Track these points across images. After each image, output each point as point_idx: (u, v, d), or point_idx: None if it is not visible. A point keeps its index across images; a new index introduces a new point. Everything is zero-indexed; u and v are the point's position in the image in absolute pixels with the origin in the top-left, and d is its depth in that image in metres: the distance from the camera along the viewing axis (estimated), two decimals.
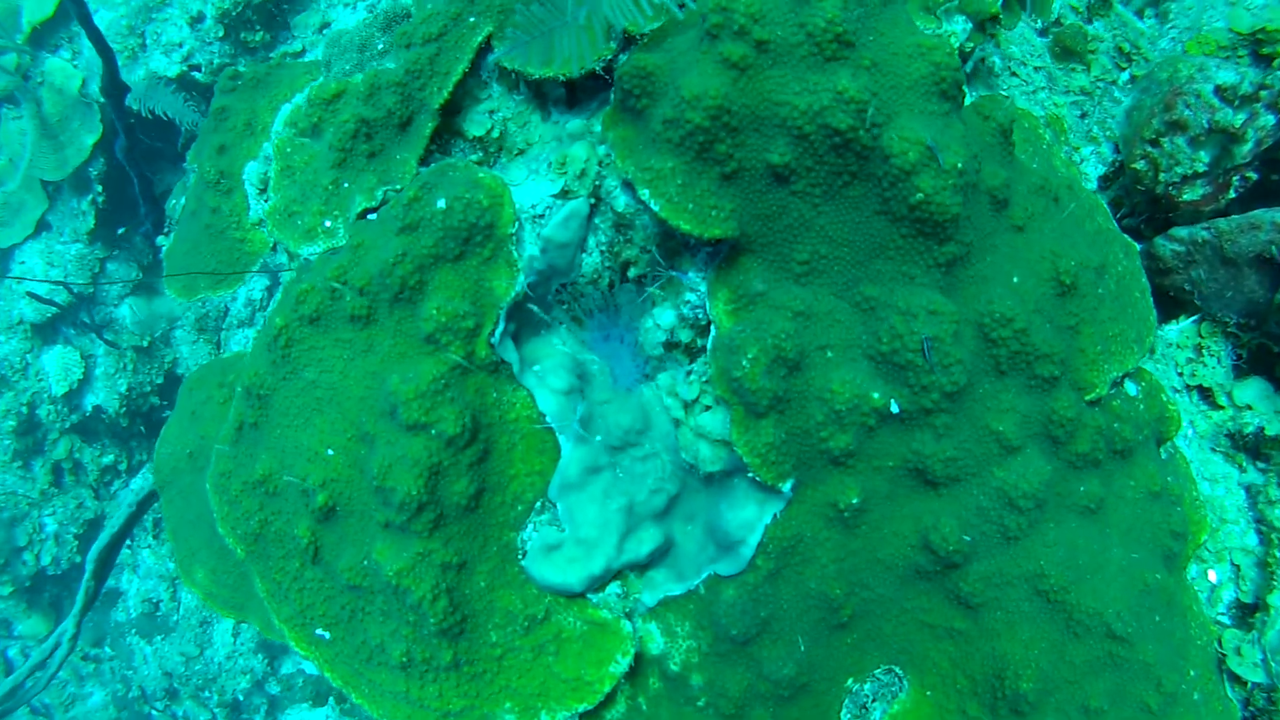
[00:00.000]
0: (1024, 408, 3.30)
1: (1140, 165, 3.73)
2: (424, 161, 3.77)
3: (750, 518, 3.22)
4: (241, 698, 6.09)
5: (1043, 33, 4.05)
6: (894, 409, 3.18)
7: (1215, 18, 4.25)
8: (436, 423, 3.23)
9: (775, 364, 3.12)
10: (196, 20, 5.51)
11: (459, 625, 3.31)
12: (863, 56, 3.13)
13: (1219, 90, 3.69)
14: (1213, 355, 3.74)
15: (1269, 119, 3.64)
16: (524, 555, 3.36)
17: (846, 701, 3.44)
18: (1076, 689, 3.27)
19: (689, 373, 3.33)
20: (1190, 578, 3.58)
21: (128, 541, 5.84)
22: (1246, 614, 3.57)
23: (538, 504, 3.39)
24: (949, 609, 3.34)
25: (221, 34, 5.48)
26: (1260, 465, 3.67)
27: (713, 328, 3.23)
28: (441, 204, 3.30)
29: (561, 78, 3.59)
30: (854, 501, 3.22)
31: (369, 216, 3.63)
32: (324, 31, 5.61)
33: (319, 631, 3.52)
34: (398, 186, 3.69)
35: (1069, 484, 3.35)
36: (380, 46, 4.63)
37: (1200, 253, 3.69)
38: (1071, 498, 3.35)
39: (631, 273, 3.46)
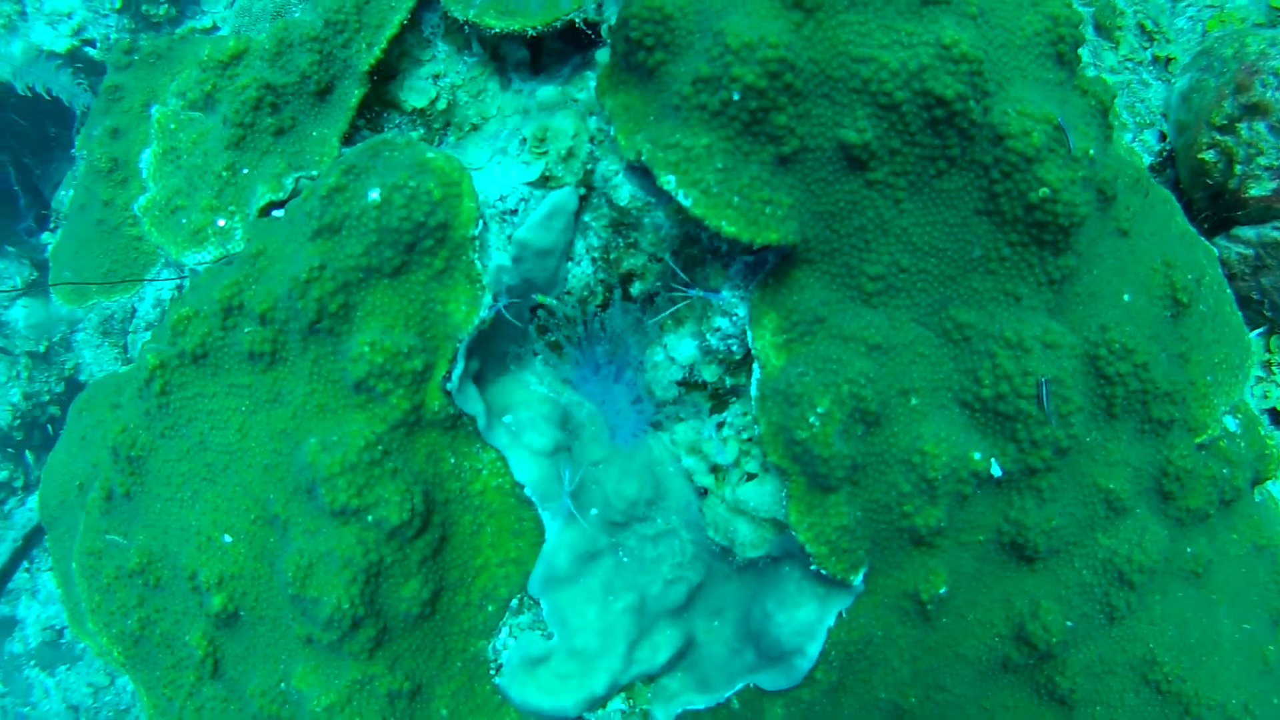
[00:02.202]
0: (1135, 459, 2.01)
1: (1209, 156, 2.48)
2: (348, 140, 2.25)
3: (809, 620, 1.84)
4: None
5: (1087, 2, 2.76)
6: (996, 471, 1.85)
7: None
8: (374, 506, 1.76)
9: (853, 420, 1.74)
10: None
11: None
12: (968, 1, 1.75)
13: None
14: None
15: None
16: (498, 671, 1.93)
17: None
18: None
19: (720, 424, 1.91)
20: None
21: (25, 564, 4.16)
22: None
23: (514, 601, 1.96)
24: (1038, 707, 2.05)
25: (119, 4, 3.78)
26: None
27: (756, 366, 1.82)
28: (375, 195, 1.79)
29: (531, 31, 2.12)
30: (940, 592, 1.89)
31: (275, 213, 2.10)
32: (235, 4, 3.96)
33: None
34: (313, 172, 2.16)
35: (1177, 545, 2.09)
36: (297, 14, 3.04)
37: (1273, 256, 2.46)
38: (1178, 561, 2.09)
39: (636, 288, 2.02)
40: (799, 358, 1.81)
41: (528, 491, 1.90)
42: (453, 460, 1.88)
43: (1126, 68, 2.76)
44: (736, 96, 1.67)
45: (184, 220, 2.18)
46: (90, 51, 3.79)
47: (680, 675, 2.00)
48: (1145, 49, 2.83)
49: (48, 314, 4.23)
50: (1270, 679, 2.15)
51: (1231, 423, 2.22)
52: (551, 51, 2.40)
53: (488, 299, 1.84)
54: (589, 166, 1.97)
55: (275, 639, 1.91)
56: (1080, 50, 1.90)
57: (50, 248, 3.64)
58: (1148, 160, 2.67)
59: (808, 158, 1.75)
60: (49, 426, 4.28)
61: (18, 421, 4.16)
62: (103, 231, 3.38)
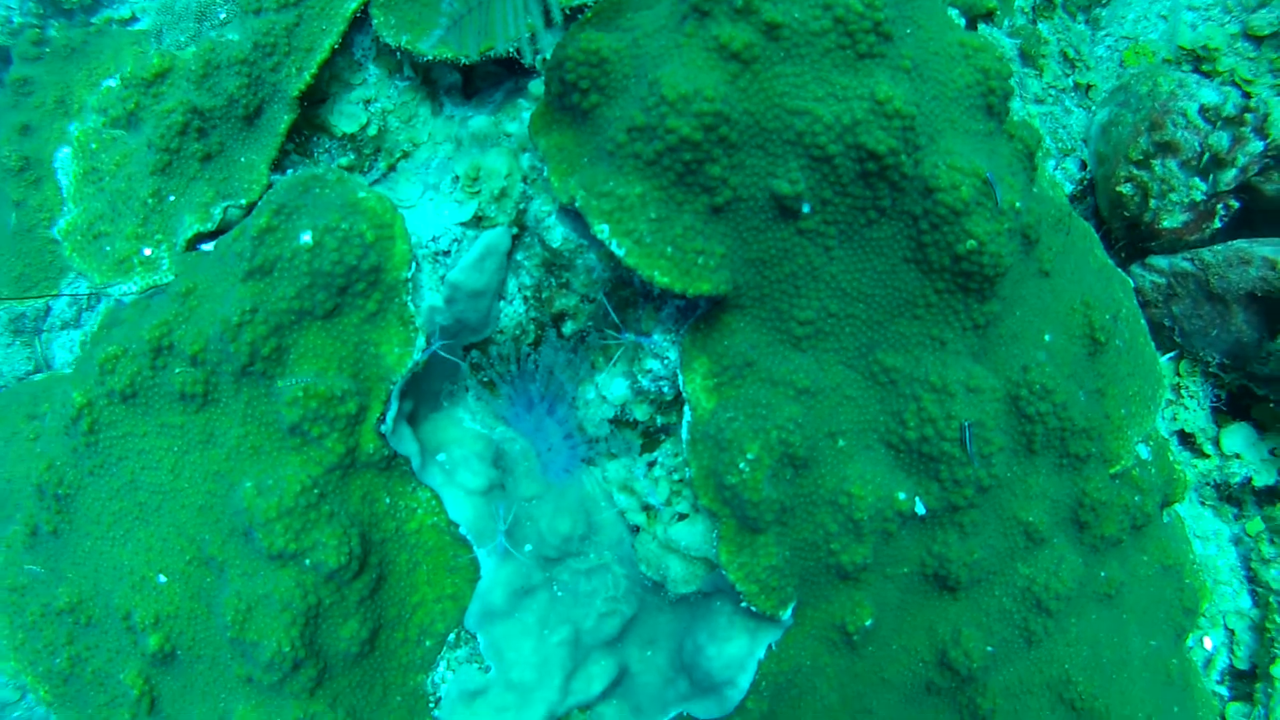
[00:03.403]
0: (1054, 492, 2.11)
1: (1126, 189, 2.58)
2: (278, 167, 2.22)
3: (739, 653, 1.91)
4: None
5: (1013, 33, 2.82)
6: (920, 510, 1.94)
7: (1149, 29, 3.11)
8: (311, 550, 1.77)
9: (781, 465, 1.81)
10: None
11: None
12: (903, 55, 1.79)
13: (1203, 111, 2.55)
14: (1191, 396, 2.67)
15: (1257, 144, 2.53)
16: (437, 704, 1.96)
17: None
18: None
19: (652, 463, 1.97)
20: (1188, 646, 2.54)
21: None
22: (1242, 682, 2.56)
23: (451, 636, 1.99)
24: None
25: None
26: (1250, 519, 2.65)
27: (687, 409, 1.87)
28: (307, 238, 1.79)
29: (464, 60, 2.11)
30: (866, 624, 1.97)
31: (203, 246, 2.07)
32: None
33: None
34: (242, 201, 2.13)
35: (1091, 570, 2.21)
36: (223, 15, 2.95)
37: (1183, 285, 2.58)
38: (1092, 585, 2.20)
39: (568, 327, 2.04)
40: (729, 402, 1.86)
41: (463, 530, 1.92)
42: (388, 500, 1.90)
43: (1050, 94, 2.84)
44: (672, 145, 1.70)
45: (108, 248, 2.14)
46: None
47: (615, 704, 2.07)
48: (1067, 75, 2.92)
49: None
50: (1172, 690, 2.29)
51: (1144, 450, 2.34)
52: (485, 75, 2.39)
53: (421, 341, 1.85)
54: (522, 206, 1.98)
55: (214, 678, 1.92)
56: (1009, 101, 1.96)
57: None
58: (1069, 188, 2.77)
59: (740, 206, 1.79)
60: None
61: None
62: (14, 234, 3.28)
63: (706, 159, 1.71)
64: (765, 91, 1.74)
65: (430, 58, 2.13)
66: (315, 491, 1.78)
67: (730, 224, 1.79)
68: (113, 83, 2.87)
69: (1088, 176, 2.76)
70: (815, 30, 1.73)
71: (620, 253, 1.70)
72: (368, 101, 2.28)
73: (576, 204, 1.75)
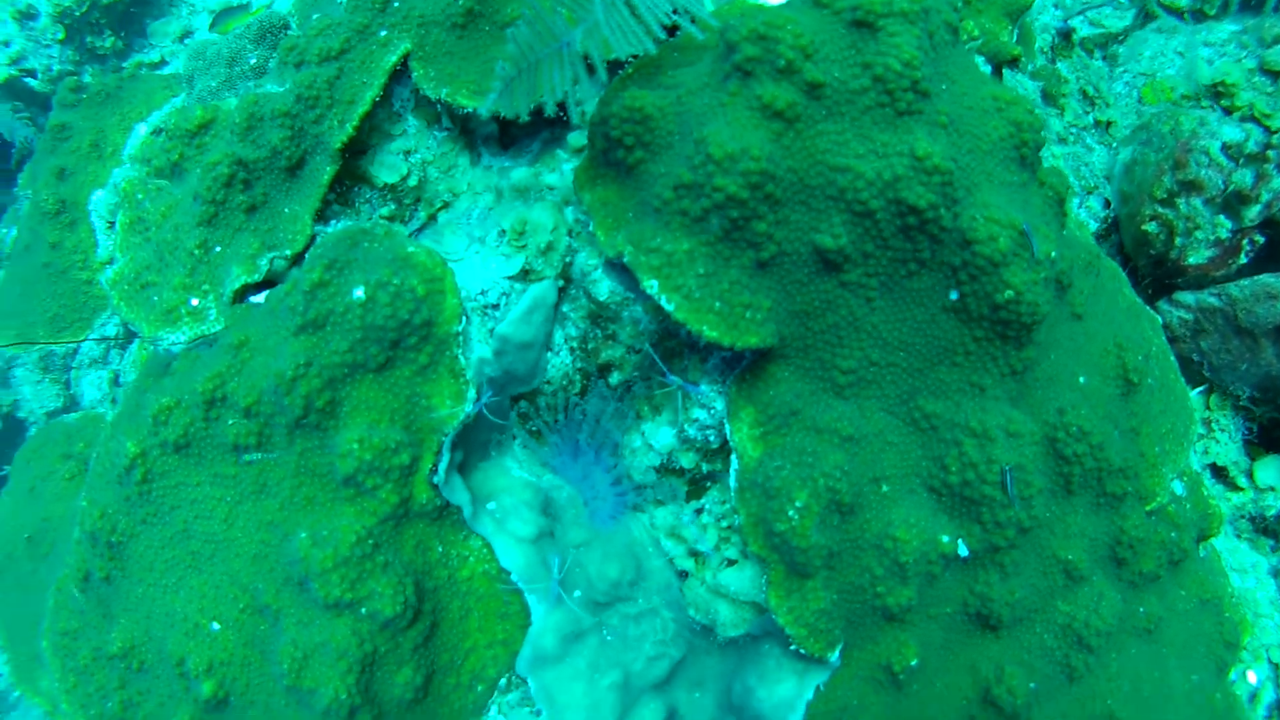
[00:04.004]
0: (1092, 530, 2.15)
1: (1151, 228, 2.63)
2: (320, 217, 2.28)
3: (789, 695, 1.95)
4: None
5: (1034, 75, 2.88)
6: (963, 552, 1.98)
7: (1166, 65, 3.17)
8: (367, 599, 1.82)
9: (829, 511, 1.85)
10: (26, 16, 3.65)
11: None
12: (939, 111, 1.85)
13: (1225, 148, 2.61)
14: (1223, 430, 2.71)
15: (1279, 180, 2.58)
16: None
17: None
18: None
19: (699, 510, 2.01)
20: (1231, 680, 2.58)
21: None
22: None
23: (502, 681, 2.03)
24: None
25: (62, 36, 3.65)
26: None
27: (734, 457, 1.92)
28: (359, 293, 1.84)
29: (528, 117, 2.16)
30: (912, 664, 2.01)
31: (252, 298, 2.12)
32: (186, 41, 3.87)
33: None
34: (287, 252, 2.18)
35: (1130, 606, 2.24)
36: (253, 61, 3.03)
37: (1210, 321, 2.63)
38: (1132, 620, 2.24)
39: (614, 377, 2.09)
40: (776, 450, 1.91)
41: (514, 577, 1.97)
42: (440, 549, 1.94)
43: (1071, 133, 2.89)
44: (719, 203, 1.75)
45: (155, 298, 2.19)
46: (30, 83, 3.70)
47: None
48: (1087, 113, 2.98)
49: None
50: None
51: (1178, 486, 2.38)
52: (521, 124, 2.45)
53: (472, 394, 1.90)
54: (567, 259, 2.04)
55: None
56: (1041, 151, 2.01)
57: None
58: (1094, 226, 2.82)
59: (785, 260, 1.84)
60: None
61: None
62: (50, 275, 3.34)
63: (753, 216, 1.76)
64: (808, 149, 1.79)
65: (470, 109, 2.19)
66: (370, 542, 1.83)
67: (775, 278, 1.84)
68: (155, 123, 2.94)
69: (1112, 214, 2.82)
70: (855, 89, 1.79)
71: (670, 307, 1.76)
72: (408, 152, 2.33)
73: (625, 259, 1.80)
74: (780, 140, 1.77)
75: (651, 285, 1.78)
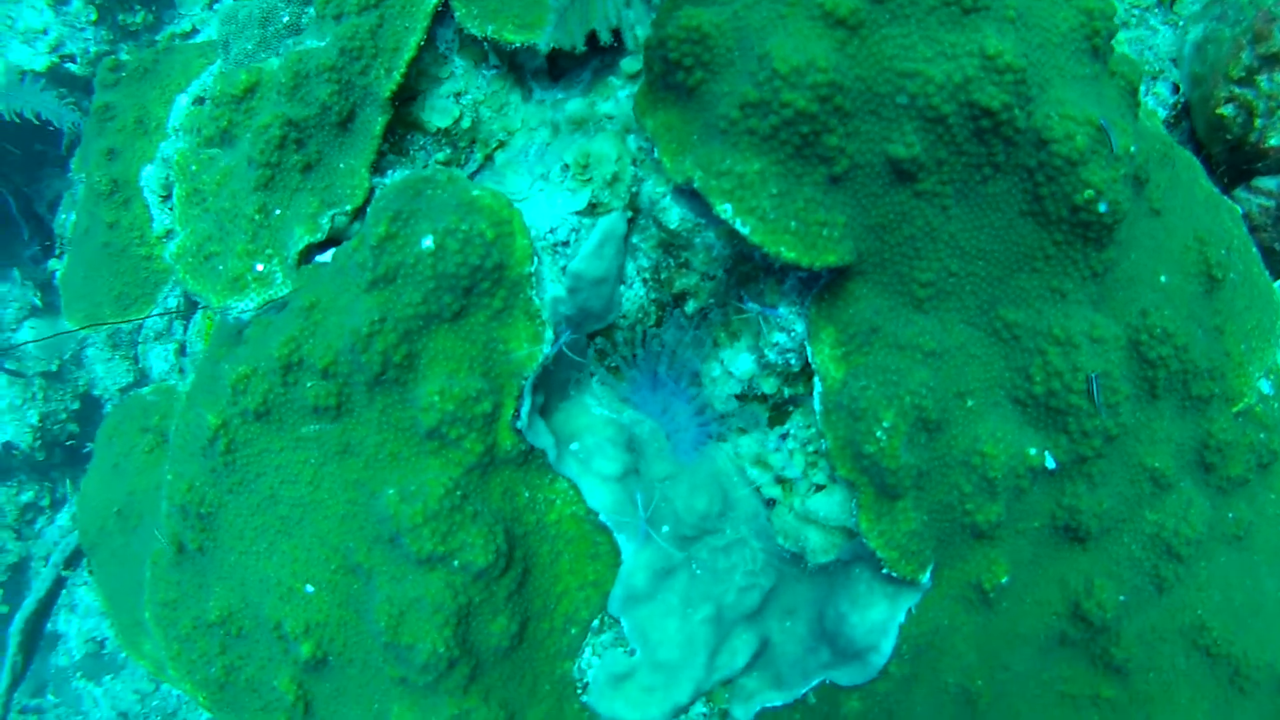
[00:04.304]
0: (1178, 435, 2.11)
1: (1227, 110, 2.54)
2: (376, 168, 2.26)
3: (881, 618, 1.95)
4: None
5: None
6: (1050, 464, 1.95)
7: None
8: (459, 551, 1.83)
9: (916, 430, 1.83)
10: (59, 1, 3.65)
11: None
12: (1006, 4, 1.78)
13: None
14: None
15: None
16: (585, 690, 2.03)
17: None
18: None
19: (784, 435, 2.00)
20: None
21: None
22: None
23: (595, 622, 2.05)
24: (1094, 676, 2.18)
25: (95, 17, 3.64)
26: None
27: (817, 380, 1.90)
28: (428, 242, 1.83)
29: (584, 46, 2.12)
30: (1003, 581, 2.00)
31: (317, 258, 2.12)
32: (215, 7, 3.84)
33: None
34: (347, 208, 2.17)
35: (1219, 513, 2.21)
36: (286, 19, 2.98)
37: None
38: (1221, 527, 2.21)
39: (690, 306, 2.06)
40: (859, 370, 1.88)
41: (602, 517, 1.97)
42: (527, 494, 1.95)
43: (1133, 15, 2.78)
44: (788, 119, 1.71)
45: (220, 267, 2.19)
46: (71, 67, 3.70)
47: (757, 674, 2.12)
48: None
49: (56, 332, 4.20)
50: None
51: (1265, 385, 2.33)
52: (570, 55, 2.40)
53: (549, 334, 1.89)
54: (634, 189, 2.00)
55: (366, 680, 1.99)
56: (1113, 40, 1.94)
57: (58, 274, 3.62)
58: (1162, 114, 2.72)
59: (858, 174, 1.79)
60: (69, 444, 4.29)
61: (38, 442, 4.17)
62: (110, 254, 3.38)
63: (823, 130, 1.72)
64: (875, 56, 1.74)
65: (517, 44, 2.15)
66: (458, 493, 1.84)
67: (849, 192, 1.80)
68: (197, 91, 2.93)
69: (1181, 100, 2.71)
70: None
71: (745, 231, 1.72)
72: (458, 94, 2.30)
73: (695, 184, 1.77)
74: (845, 49, 1.72)
75: (725, 209, 1.74)
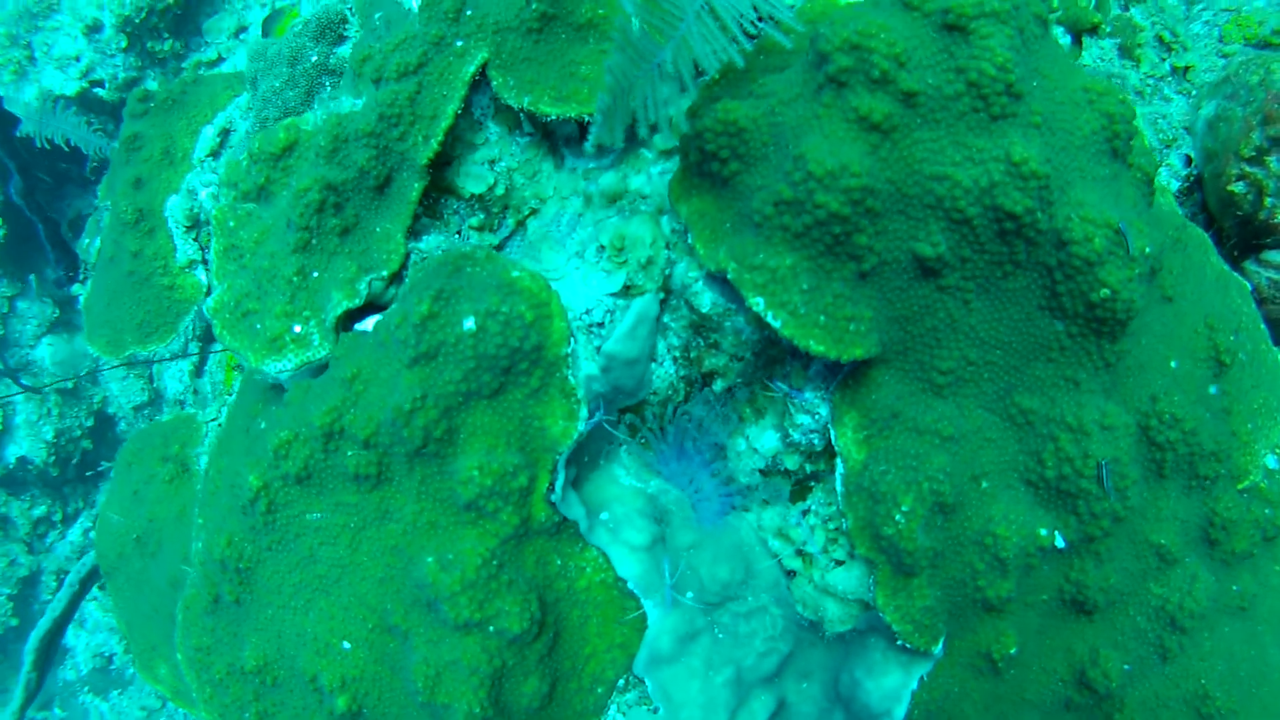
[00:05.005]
0: (1183, 513, 2.22)
1: (1238, 188, 2.63)
2: (411, 233, 2.34)
3: (895, 685, 2.06)
4: None
5: (1112, 33, 2.85)
6: (1060, 544, 2.05)
7: None
8: (495, 618, 1.93)
9: (933, 513, 1.93)
10: (93, 29, 3.70)
11: None
12: (1033, 110, 1.87)
13: None
14: None
15: None
16: None
17: None
18: None
19: (805, 511, 2.09)
20: None
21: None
22: None
23: (620, 681, 2.15)
24: None
25: (125, 44, 3.71)
26: None
27: (839, 461, 1.99)
28: (470, 324, 1.91)
29: (586, 117, 2.20)
30: (1011, 652, 2.10)
31: (358, 326, 2.20)
32: (240, 36, 3.91)
33: None
34: (384, 273, 2.26)
35: (1223, 585, 2.31)
36: (314, 58, 3.06)
37: None
38: (1225, 599, 2.32)
39: (718, 385, 2.16)
40: (880, 453, 1.98)
41: (630, 585, 2.07)
42: (559, 562, 2.05)
43: (1148, 85, 2.87)
44: (821, 219, 1.79)
45: (258, 326, 2.28)
46: (99, 92, 3.77)
47: None
48: (1164, 60, 2.94)
49: (72, 350, 4.28)
50: None
51: (1271, 460, 2.42)
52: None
53: (584, 412, 1.98)
54: (667, 271, 2.09)
55: None
56: (1132, 140, 2.02)
57: (81, 298, 3.69)
58: (1175, 185, 2.81)
59: (885, 270, 1.88)
60: (84, 460, 4.38)
61: (52, 458, 4.26)
62: (134, 283, 3.45)
63: (854, 230, 1.81)
64: (905, 159, 1.82)
65: (553, 117, 2.23)
66: (494, 563, 1.93)
67: (875, 287, 1.89)
68: (211, 130, 2.98)
69: (1194, 172, 2.81)
70: (949, 94, 1.81)
71: (777, 325, 1.82)
72: (492, 161, 2.38)
73: (729, 276, 1.86)
74: (877, 152, 1.81)
75: (758, 303, 1.83)
